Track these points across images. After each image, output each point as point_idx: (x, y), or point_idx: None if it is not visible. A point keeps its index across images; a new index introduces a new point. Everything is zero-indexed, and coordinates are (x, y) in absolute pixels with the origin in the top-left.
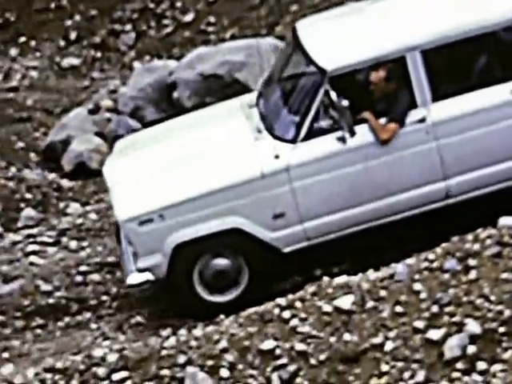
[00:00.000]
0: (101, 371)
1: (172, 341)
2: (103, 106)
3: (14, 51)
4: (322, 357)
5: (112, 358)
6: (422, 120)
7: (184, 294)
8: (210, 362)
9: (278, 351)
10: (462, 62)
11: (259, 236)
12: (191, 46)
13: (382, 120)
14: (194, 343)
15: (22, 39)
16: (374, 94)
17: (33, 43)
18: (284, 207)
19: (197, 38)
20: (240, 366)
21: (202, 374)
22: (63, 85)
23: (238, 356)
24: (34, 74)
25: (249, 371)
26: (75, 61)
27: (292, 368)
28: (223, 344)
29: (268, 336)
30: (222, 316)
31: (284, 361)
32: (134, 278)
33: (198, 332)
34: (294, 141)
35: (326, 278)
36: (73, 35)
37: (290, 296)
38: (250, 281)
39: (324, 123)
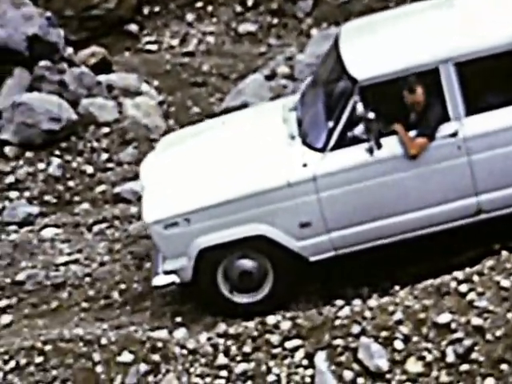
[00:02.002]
0: (274, 338)
1: (346, 310)
2: (279, 73)
3: (190, 16)
4: (499, 332)
5: (285, 325)
6: (454, 134)
7: (210, 295)
8: (384, 334)
9: (453, 325)
10: (497, 76)
11: (285, 244)
12: (369, 14)
13: (413, 132)
14: (368, 314)
15: (199, 4)
16: (407, 106)
17: (209, 8)
18: (310, 216)
19: (376, 6)
20: (415, 339)
21: (376, 345)
22: (239, 50)
23: (412, 328)
24: (210, 39)
25: (423, 344)
26: (252, 27)
27: (468, 342)
28: (398, 316)
29: (444, 309)
30: (396, 287)
31: (460, 335)
32: (159, 280)
33: (372, 303)
34: (323, 150)
35: (504, 253)
36: (250, 1)
37: (468, 269)
38: (275, 284)
39: (354, 133)
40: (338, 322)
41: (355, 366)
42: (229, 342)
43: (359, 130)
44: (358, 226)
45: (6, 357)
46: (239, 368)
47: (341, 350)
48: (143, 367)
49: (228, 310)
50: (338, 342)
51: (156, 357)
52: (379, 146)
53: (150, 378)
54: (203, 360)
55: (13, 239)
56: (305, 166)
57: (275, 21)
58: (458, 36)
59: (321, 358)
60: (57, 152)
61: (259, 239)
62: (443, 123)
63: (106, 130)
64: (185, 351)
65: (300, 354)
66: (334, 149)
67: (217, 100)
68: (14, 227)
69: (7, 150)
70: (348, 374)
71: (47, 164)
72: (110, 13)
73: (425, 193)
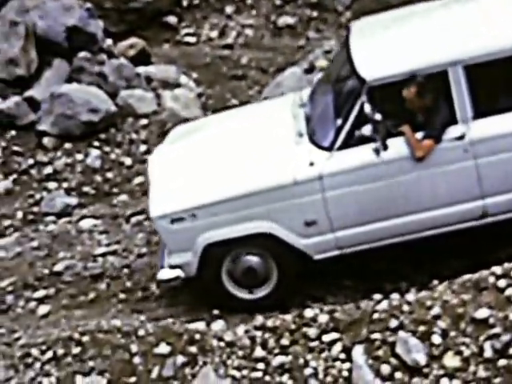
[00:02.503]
0: (311, 332)
1: (384, 304)
2: (318, 66)
3: (229, 9)
4: None
5: (323, 319)
6: (461, 137)
7: (214, 290)
8: (422, 328)
9: (491, 320)
10: (506, 80)
11: (290, 241)
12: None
13: (420, 134)
14: (406, 308)
15: None
16: (411, 108)
17: (249, 1)
18: (316, 215)
19: None
20: (452, 333)
21: (414, 339)
22: (278, 44)
23: (450, 323)
24: (249, 32)
25: (461, 339)
26: (291, 20)
27: (505, 338)
28: (436, 310)
29: (482, 304)
30: (435, 282)
31: (497, 330)
32: (164, 274)
33: (410, 297)
34: (329, 149)
35: None
36: None
37: (506, 265)
38: (280, 281)
39: (361, 133)
40: (375, 316)
41: (393, 361)
42: (266, 335)
43: (367, 129)
44: (363, 225)
45: (44, 347)
46: (276, 361)
47: (378, 344)
48: (180, 359)
49: (231, 306)
50: (376, 336)
51: (193, 349)
52: (385, 148)
53: (187, 370)
54: (240, 352)
55: (51, 230)
56: (311, 164)
57: (314, 14)
58: (468, 38)
59: (358, 351)
60: (95, 143)
61: (264, 236)
62: (450, 126)
63: (144, 121)
64: (222, 343)
65: (337, 347)
66: (340, 148)
67: (255, 93)
68: (52, 218)
69: (46, 140)
70: (385, 368)
71: (85, 155)
72: (149, 5)
73: (430, 195)
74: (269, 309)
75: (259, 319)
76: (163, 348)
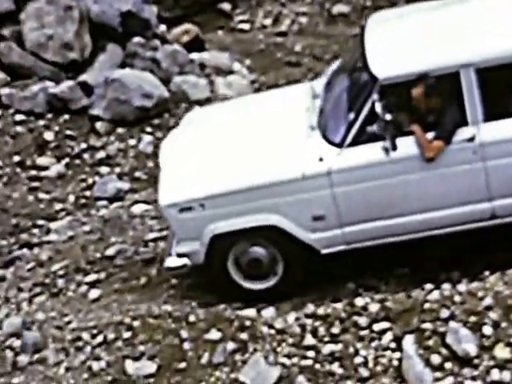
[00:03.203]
0: (362, 320)
1: (435, 294)
2: None
3: None
4: None
5: (374, 307)
6: (471, 139)
7: (220, 280)
8: (473, 319)
9: None
10: None
11: (297, 235)
12: None
13: (430, 134)
14: (457, 298)
15: None
16: (419, 107)
17: None
18: (324, 210)
19: None
20: (503, 325)
21: (465, 330)
22: (332, 31)
23: (502, 314)
24: (303, 19)
25: None
26: (345, 8)
27: None
28: (488, 301)
29: None
30: (487, 273)
31: None
32: (171, 262)
33: (462, 287)
34: (340, 145)
35: None
36: None
37: None
38: (285, 273)
39: (372, 131)
40: (427, 306)
41: (443, 351)
42: (317, 323)
43: (377, 127)
44: (371, 222)
45: (95, 331)
46: (326, 349)
47: (429, 334)
48: (231, 345)
49: (237, 295)
50: (427, 325)
51: (244, 335)
52: (394, 148)
53: (237, 357)
54: (291, 340)
55: (103, 214)
56: (321, 160)
57: (368, 3)
58: (482, 40)
59: (409, 341)
60: (148, 129)
61: (271, 229)
62: (461, 127)
63: (197, 107)
64: (272, 331)
65: (388, 336)
66: (351, 145)
67: (310, 80)
68: (104, 202)
69: (99, 125)
70: (436, 358)
71: (138, 140)
72: None
73: (438, 195)
74: (275, 300)
75: (310, 307)
76: (214, 334)
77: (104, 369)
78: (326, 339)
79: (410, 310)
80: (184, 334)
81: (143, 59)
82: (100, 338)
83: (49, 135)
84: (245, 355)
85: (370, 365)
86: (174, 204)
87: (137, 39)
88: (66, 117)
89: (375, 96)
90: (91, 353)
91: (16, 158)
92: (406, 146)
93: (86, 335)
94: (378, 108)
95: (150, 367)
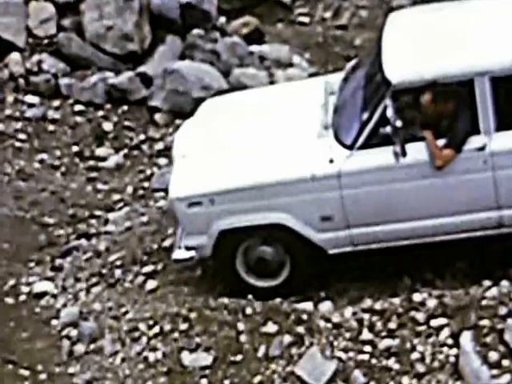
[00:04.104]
0: (419, 316)
1: (493, 291)
2: None
3: None
4: None
5: (431, 303)
6: (482, 148)
7: (226, 275)
8: None
9: None
10: None
11: (305, 235)
12: None
13: (442, 141)
14: None
15: None
16: (427, 114)
17: None
18: (332, 211)
19: None
20: None
21: None
22: None
23: None
24: (363, 13)
25: None
26: (404, 1)
27: None
28: None
29: None
30: None
31: None
32: (179, 254)
33: None
34: (351, 147)
35: None
36: None
37: None
38: (292, 272)
39: (383, 133)
40: (484, 303)
41: (501, 348)
42: (374, 318)
43: (388, 131)
44: (379, 225)
45: (151, 322)
46: (383, 344)
47: (487, 330)
48: (287, 339)
49: (243, 292)
50: (485, 322)
51: (300, 329)
52: (404, 154)
53: (294, 350)
54: (347, 334)
55: (160, 206)
56: (331, 161)
57: None
58: (497, 48)
59: (466, 337)
60: None
61: (279, 227)
62: (472, 136)
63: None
64: (329, 325)
65: (445, 332)
66: (361, 148)
67: None
68: (161, 194)
69: (157, 116)
70: (493, 355)
71: None
72: None
73: (446, 202)
74: (282, 297)
75: (367, 302)
76: (270, 327)
77: (160, 360)
78: (383, 334)
79: (468, 306)
80: (240, 326)
81: (203, 51)
82: (156, 329)
83: (107, 126)
84: (301, 349)
85: (427, 361)
86: (183, 198)
87: (196, 31)
88: (125, 108)
89: (387, 100)
90: (147, 343)
91: (74, 149)
92: (417, 151)
93: (142, 326)
94: (390, 113)
95: (206, 359)
